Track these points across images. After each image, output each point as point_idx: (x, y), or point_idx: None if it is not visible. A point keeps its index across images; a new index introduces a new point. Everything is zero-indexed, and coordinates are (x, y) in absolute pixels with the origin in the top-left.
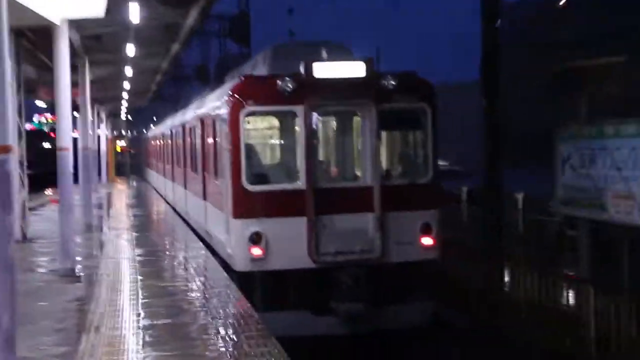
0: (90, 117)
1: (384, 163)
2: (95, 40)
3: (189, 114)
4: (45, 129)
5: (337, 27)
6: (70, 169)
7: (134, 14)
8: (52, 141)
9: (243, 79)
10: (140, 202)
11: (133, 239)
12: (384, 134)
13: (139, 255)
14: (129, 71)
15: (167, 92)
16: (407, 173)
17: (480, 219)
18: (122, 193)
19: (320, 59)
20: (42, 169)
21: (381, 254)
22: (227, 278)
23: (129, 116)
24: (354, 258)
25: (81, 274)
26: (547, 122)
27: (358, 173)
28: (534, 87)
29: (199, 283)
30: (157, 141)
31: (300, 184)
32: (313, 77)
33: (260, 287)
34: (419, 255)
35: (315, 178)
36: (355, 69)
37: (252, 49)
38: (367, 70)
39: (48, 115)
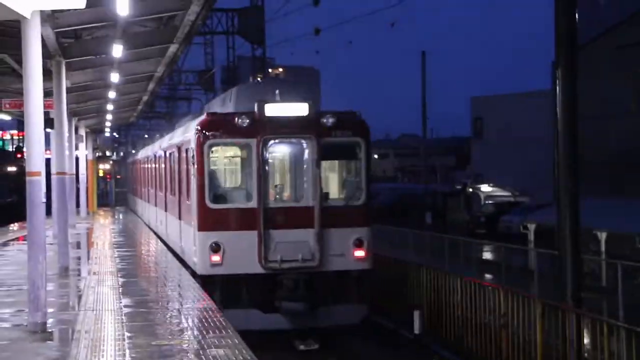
0: (67, 134)
1: (324, 187)
2: (75, 39)
3: (166, 141)
4: (11, 148)
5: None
6: (42, 199)
7: (122, 5)
8: (20, 164)
9: (207, 115)
10: (127, 239)
11: (119, 286)
12: (325, 163)
13: (126, 306)
14: (115, 77)
15: (162, 104)
16: (343, 196)
17: (551, 265)
18: (105, 228)
19: (272, 100)
20: (7, 198)
21: (319, 263)
22: (233, 331)
23: (114, 134)
24: (297, 265)
25: (54, 329)
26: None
27: (302, 195)
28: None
29: (198, 340)
30: (140, 165)
31: (253, 203)
32: (265, 115)
33: (218, 289)
34: (352, 265)
35: (266, 199)
36: (299, 109)
37: (267, 46)
38: (310, 110)
39: (14, 132)
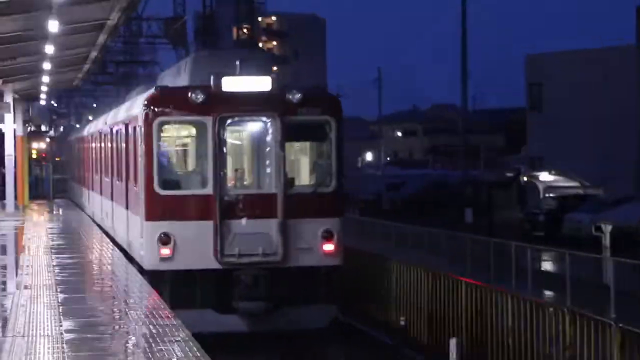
0: None
1: (290, 172)
2: None
3: (112, 117)
4: None
5: None
6: None
7: None
8: None
9: (157, 89)
10: (70, 241)
11: (58, 304)
12: (290, 145)
13: (68, 330)
14: (54, 26)
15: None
16: (311, 182)
17: (635, 280)
18: (40, 227)
19: (232, 73)
20: None
21: (283, 257)
22: None
23: (53, 102)
24: (257, 260)
25: None
26: None
27: (264, 181)
28: None
29: None
30: (85, 145)
31: (208, 190)
32: (222, 90)
33: (168, 286)
34: (320, 261)
35: (223, 185)
36: (261, 83)
37: None
38: (273, 84)
39: None
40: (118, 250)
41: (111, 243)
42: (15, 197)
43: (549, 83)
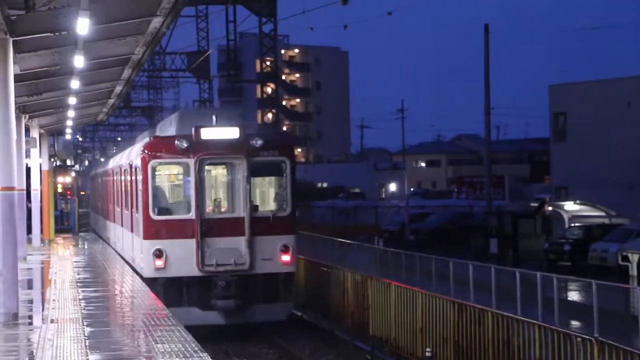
0: (14, 136)
1: (255, 200)
2: (25, 9)
3: (125, 157)
4: None
5: None
6: None
7: None
8: None
9: (151, 138)
10: (95, 274)
11: (85, 338)
12: (254, 179)
13: None
14: (79, 62)
15: (141, 96)
16: (271, 208)
17: None
18: (66, 261)
19: (208, 125)
20: None
21: (250, 266)
22: None
23: (78, 137)
24: (230, 269)
25: None
26: None
27: (235, 208)
28: None
29: None
30: (104, 179)
31: (192, 215)
32: (201, 138)
33: (162, 289)
34: (279, 268)
35: (202, 211)
36: (231, 132)
37: (279, 20)
38: (241, 133)
39: None
40: (141, 282)
41: (135, 275)
42: (41, 231)
43: (572, 113)
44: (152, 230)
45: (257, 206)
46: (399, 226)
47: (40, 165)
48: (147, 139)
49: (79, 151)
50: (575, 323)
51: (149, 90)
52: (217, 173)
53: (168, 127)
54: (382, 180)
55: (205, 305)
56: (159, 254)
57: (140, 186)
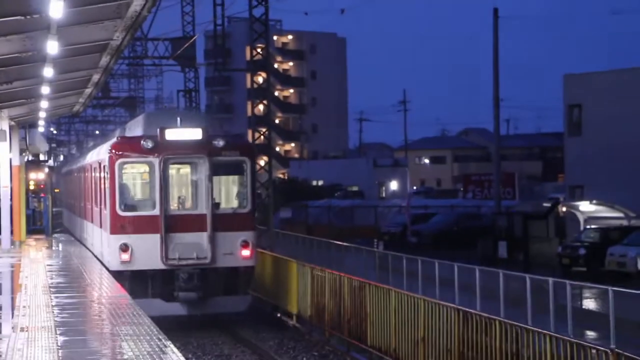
0: None
1: (216, 198)
2: None
3: (94, 155)
4: None
5: None
6: None
7: None
8: None
9: (118, 138)
10: (71, 278)
11: (57, 347)
12: (216, 178)
13: None
14: (53, 47)
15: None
16: (232, 205)
17: None
18: (38, 264)
19: (172, 126)
20: None
21: (211, 260)
22: None
23: (52, 129)
24: (192, 262)
25: None
26: None
27: (197, 205)
28: None
29: None
30: (77, 175)
31: (156, 211)
32: (165, 138)
33: (127, 281)
34: (239, 263)
35: (167, 207)
36: (194, 133)
37: (270, 4)
38: (203, 134)
39: None
40: (122, 289)
41: (114, 280)
42: (11, 232)
43: (588, 105)
44: (119, 226)
45: (218, 203)
46: (400, 228)
47: (11, 160)
48: (114, 140)
49: (53, 145)
50: (590, 333)
51: (129, 79)
52: (181, 172)
53: (135, 128)
54: (383, 178)
55: (169, 297)
56: (125, 248)
57: (108, 184)
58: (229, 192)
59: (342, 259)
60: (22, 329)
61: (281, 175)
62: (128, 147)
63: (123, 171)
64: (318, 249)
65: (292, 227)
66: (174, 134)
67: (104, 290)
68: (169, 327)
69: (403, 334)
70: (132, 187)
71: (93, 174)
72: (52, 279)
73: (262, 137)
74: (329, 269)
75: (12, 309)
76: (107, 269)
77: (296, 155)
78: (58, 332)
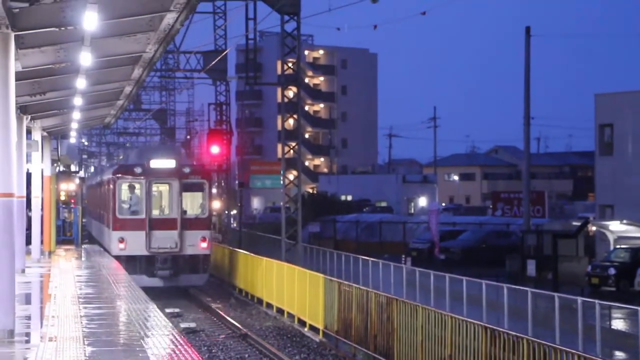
0: (14, 139)
1: (185, 207)
2: (29, 2)
3: (102, 174)
4: None
5: None
6: None
7: None
8: None
9: (118, 166)
10: (100, 289)
11: (85, 358)
12: (185, 194)
13: None
14: (86, 59)
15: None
16: (195, 212)
17: None
18: (67, 274)
19: (156, 156)
20: None
21: (180, 249)
22: None
23: (83, 141)
24: (167, 250)
25: None
26: None
27: (171, 212)
28: None
29: None
30: (93, 189)
31: (143, 215)
32: (150, 166)
33: (123, 263)
34: (199, 251)
35: (150, 213)
36: (169, 163)
37: (302, 19)
38: (176, 164)
39: None
40: (152, 304)
41: (142, 292)
42: (42, 242)
43: (620, 124)
44: (118, 225)
45: (185, 211)
46: (428, 244)
47: (42, 170)
48: (116, 166)
49: (84, 156)
50: (619, 354)
51: (161, 91)
52: (160, 189)
53: (133, 157)
54: (411, 194)
55: (151, 274)
56: (121, 240)
57: (111, 196)
58: (193, 204)
59: (370, 274)
60: (50, 339)
61: (310, 190)
62: (125, 171)
63: (121, 188)
64: (346, 263)
65: (320, 242)
66: (156, 163)
67: (132, 302)
68: (153, 296)
69: (430, 351)
70: (127, 199)
71: (103, 189)
72: (81, 289)
73: (291, 151)
74: (356, 284)
75: (41, 318)
76: (109, 254)
77: (325, 170)
78: (86, 342)
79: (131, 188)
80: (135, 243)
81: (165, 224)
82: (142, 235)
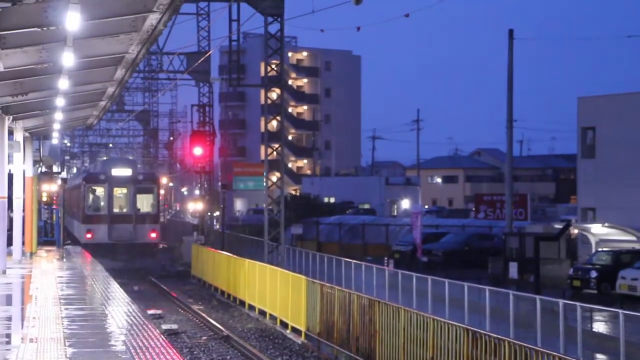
0: None
1: (139, 205)
2: (11, 2)
3: (76, 178)
4: None
5: None
6: None
7: None
8: None
9: (88, 174)
10: (81, 290)
11: (66, 359)
12: (139, 195)
13: None
14: (68, 60)
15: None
16: (146, 210)
17: None
18: (49, 275)
19: (116, 166)
20: None
21: (134, 238)
22: None
23: (66, 141)
24: (125, 239)
25: None
26: None
27: (129, 209)
28: None
29: None
30: (71, 190)
31: (105, 212)
32: (111, 174)
33: (90, 250)
34: (150, 240)
35: (111, 210)
36: (127, 172)
37: (286, 20)
38: (132, 172)
39: None
40: (134, 305)
41: (125, 294)
42: (23, 243)
43: (602, 127)
44: (86, 219)
45: (139, 209)
46: (411, 246)
47: (24, 171)
48: (85, 173)
49: (67, 157)
50: (600, 357)
51: (144, 92)
52: (120, 192)
53: (99, 167)
54: (394, 197)
55: (113, 258)
56: (88, 231)
57: (82, 197)
58: (144, 203)
59: (352, 276)
60: (31, 340)
61: (293, 192)
62: (92, 178)
63: (89, 191)
64: (328, 265)
65: (303, 244)
66: (117, 172)
67: (113, 303)
68: (134, 297)
69: (412, 353)
70: (94, 199)
71: (76, 191)
72: (62, 290)
73: (275, 153)
74: (338, 286)
75: (22, 319)
76: (78, 243)
77: (308, 172)
78: (67, 343)
79: (97, 191)
80: (99, 234)
81: (123, 218)
82: (105, 228)
